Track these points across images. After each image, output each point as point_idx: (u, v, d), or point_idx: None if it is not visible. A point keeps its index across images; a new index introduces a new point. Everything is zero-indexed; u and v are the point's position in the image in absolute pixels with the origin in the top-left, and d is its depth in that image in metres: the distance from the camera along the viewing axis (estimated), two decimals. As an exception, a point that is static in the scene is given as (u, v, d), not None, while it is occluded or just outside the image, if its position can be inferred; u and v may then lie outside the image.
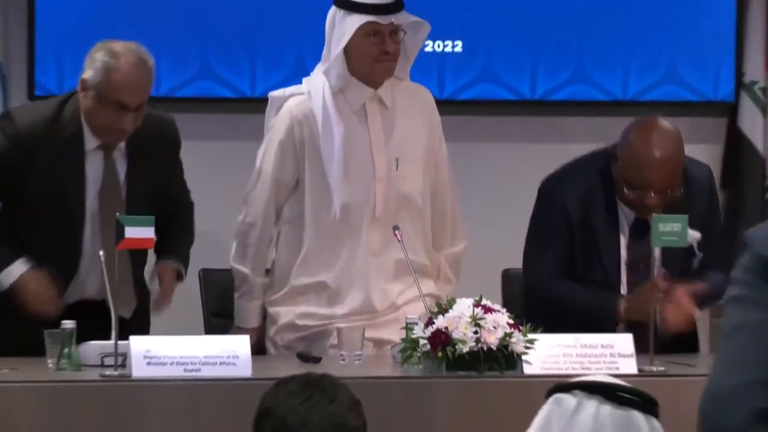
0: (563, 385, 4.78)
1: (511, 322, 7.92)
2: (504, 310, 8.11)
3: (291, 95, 9.70)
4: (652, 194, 9.36)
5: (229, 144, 11.34)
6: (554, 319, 9.00)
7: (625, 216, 9.76)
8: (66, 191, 9.24)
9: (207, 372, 7.79)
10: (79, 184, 9.22)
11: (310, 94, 9.58)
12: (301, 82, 10.16)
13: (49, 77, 11.67)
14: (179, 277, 9.35)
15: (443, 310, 7.90)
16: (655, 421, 5.15)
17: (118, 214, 8.48)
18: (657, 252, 9.01)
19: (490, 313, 7.90)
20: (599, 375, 5.44)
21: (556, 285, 9.70)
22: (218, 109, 11.77)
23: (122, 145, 9.54)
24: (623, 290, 9.62)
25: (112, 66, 9.24)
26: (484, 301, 8.09)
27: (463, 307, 7.90)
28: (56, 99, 9.53)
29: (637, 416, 4.94)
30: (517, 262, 9.98)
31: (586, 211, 9.70)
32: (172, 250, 9.72)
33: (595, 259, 9.75)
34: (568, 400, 4.84)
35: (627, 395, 4.97)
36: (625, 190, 9.49)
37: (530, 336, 7.92)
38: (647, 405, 5.00)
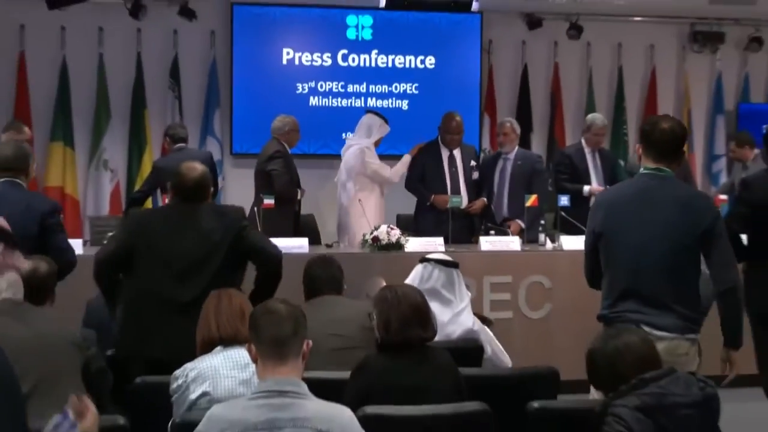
0: (423, 258, 6.07)
1: (400, 232, 7.92)
2: (398, 229, 8.05)
3: (360, 144, 9.06)
4: (449, 135, 8.89)
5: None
6: None
7: (446, 155, 9.00)
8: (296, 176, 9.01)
9: (294, 251, 7.47)
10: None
11: (370, 146, 8.99)
12: (326, 149, 10.36)
13: (238, 145, 10.83)
14: None
15: (377, 228, 7.94)
16: (460, 272, 6.01)
17: (261, 194, 8.25)
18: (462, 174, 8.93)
19: (393, 230, 7.96)
20: (439, 254, 6.32)
21: (413, 185, 9.01)
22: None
23: None
24: (449, 189, 8.96)
25: (291, 118, 8.87)
26: (391, 226, 8.08)
27: (384, 227, 7.94)
28: (272, 142, 9.04)
29: (454, 271, 5.96)
30: (403, 210, 9.50)
31: (427, 158, 8.99)
32: None
33: (432, 176, 8.95)
34: (425, 264, 6.02)
35: (450, 262, 6.04)
36: (441, 135, 8.95)
37: (407, 237, 7.87)
38: (457, 266, 6.01)
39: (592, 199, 8.44)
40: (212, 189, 7.25)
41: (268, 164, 8.91)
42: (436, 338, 5.03)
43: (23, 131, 9.33)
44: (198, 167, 5.69)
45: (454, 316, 5.74)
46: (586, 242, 5.17)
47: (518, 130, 9.38)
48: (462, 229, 8.70)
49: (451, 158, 8.99)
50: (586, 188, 8.95)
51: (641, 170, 4.98)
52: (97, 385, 4.50)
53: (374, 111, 9.62)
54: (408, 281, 5.93)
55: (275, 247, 5.65)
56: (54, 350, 4.41)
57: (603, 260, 4.96)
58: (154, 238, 5.43)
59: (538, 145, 11.13)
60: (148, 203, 9.22)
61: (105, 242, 6.13)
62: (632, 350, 3.86)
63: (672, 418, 3.67)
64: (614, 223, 4.91)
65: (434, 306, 5.80)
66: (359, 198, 8.99)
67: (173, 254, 5.37)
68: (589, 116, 9.65)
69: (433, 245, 7.89)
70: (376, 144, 9.19)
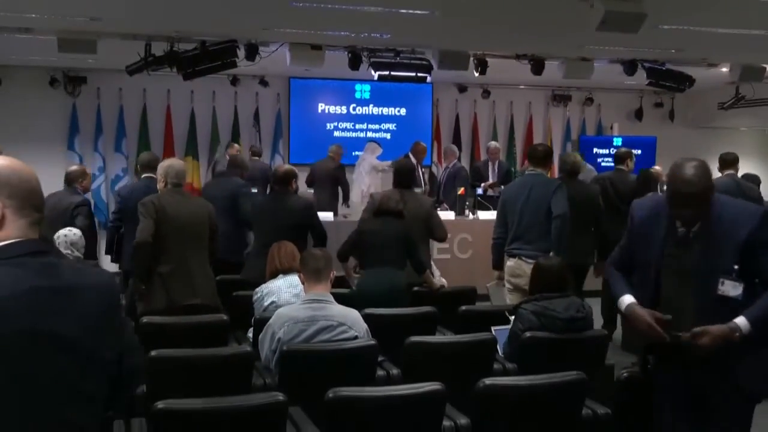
0: None
1: None
2: None
3: (370, 157, 8.96)
4: (420, 154, 8.83)
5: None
6: None
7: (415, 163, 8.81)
8: None
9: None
10: None
11: (374, 157, 8.91)
12: (342, 161, 9.37)
13: (293, 158, 10.17)
14: None
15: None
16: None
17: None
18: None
19: None
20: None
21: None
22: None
23: None
24: (419, 182, 8.45)
25: (337, 147, 8.94)
26: None
27: None
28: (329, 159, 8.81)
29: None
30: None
31: None
32: None
33: None
34: None
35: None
36: (413, 153, 8.78)
37: None
38: None
39: (489, 191, 8.97)
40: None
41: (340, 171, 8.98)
42: None
43: (234, 147, 9.19)
44: (285, 167, 5.62)
45: None
46: (498, 211, 5.28)
47: (456, 152, 9.45)
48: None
49: (417, 166, 8.83)
50: (483, 185, 9.12)
51: (527, 171, 5.22)
52: (213, 235, 4.51)
53: (374, 140, 9.54)
54: None
55: (323, 229, 5.25)
56: (200, 216, 4.44)
57: (504, 220, 5.10)
58: (262, 215, 5.33)
59: (465, 160, 10.88)
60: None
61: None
62: (553, 270, 3.76)
63: (549, 322, 3.57)
64: (510, 200, 5.06)
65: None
66: (371, 185, 8.74)
67: (269, 223, 5.19)
68: (489, 143, 9.77)
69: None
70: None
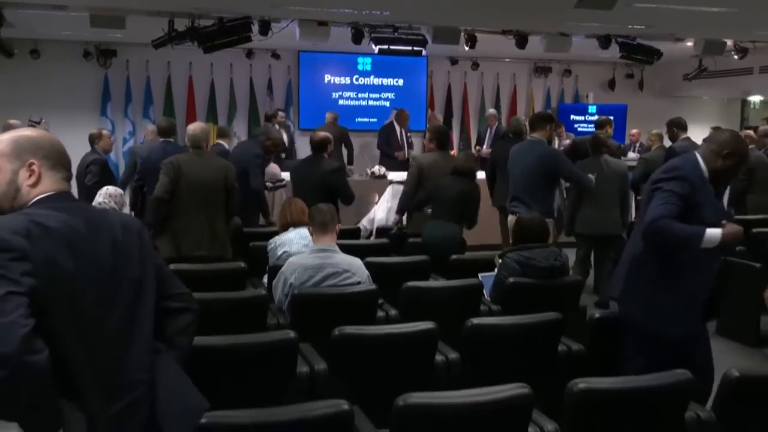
0: (392, 181, 5.82)
1: (385, 169, 7.41)
2: (383, 168, 7.64)
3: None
4: (404, 120, 8.59)
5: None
6: None
7: (398, 130, 8.52)
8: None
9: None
10: None
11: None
12: (346, 126, 9.23)
13: (303, 124, 10.16)
14: None
15: (373, 167, 7.58)
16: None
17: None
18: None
19: (380, 168, 7.50)
20: (399, 181, 5.86)
21: (381, 146, 8.66)
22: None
23: None
24: (401, 147, 8.00)
25: (334, 114, 9.03)
26: (380, 166, 7.74)
27: (377, 167, 7.44)
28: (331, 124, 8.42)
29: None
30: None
31: (390, 132, 8.54)
32: None
33: (393, 141, 8.44)
34: (394, 185, 5.80)
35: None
36: (397, 120, 8.58)
37: (387, 172, 7.29)
38: None
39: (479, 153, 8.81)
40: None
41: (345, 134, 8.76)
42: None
43: (279, 115, 8.66)
44: (320, 134, 5.43)
45: None
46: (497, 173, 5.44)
47: (440, 118, 9.46)
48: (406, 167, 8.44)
49: (401, 132, 8.77)
50: (476, 148, 9.20)
51: (529, 137, 5.12)
52: (230, 194, 4.40)
53: (399, 108, 9.24)
54: (387, 190, 5.76)
55: (349, 191, 5.12)
56: (215, 176, 4.35)
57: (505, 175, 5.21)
58: (297, 178, 5.27)
59: (456, 126, 10.79)
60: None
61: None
62: (534, 223, 3.72)
63: (531, 270, 3.53)
64: (510, 162, 5.04)
65: (395, 201, 5.77)
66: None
67: (303, 185, 5.13)
68: (488, 110, 9.68)
69: (397, 176, 7.31)
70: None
